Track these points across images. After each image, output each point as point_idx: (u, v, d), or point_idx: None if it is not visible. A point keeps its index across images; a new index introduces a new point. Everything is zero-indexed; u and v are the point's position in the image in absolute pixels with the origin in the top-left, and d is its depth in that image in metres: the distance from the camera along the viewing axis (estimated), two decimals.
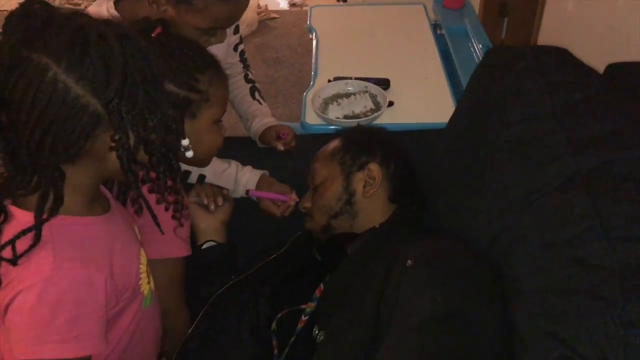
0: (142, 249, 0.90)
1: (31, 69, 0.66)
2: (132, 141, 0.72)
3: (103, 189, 0.87)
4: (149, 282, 0.92)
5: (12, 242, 0.72)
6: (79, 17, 0.70)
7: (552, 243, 0.83)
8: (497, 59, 1.13)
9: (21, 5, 0.70)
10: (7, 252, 0.72)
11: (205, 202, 1.15)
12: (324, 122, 1.46)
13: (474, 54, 1.75)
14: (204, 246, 1.14)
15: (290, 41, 3.45)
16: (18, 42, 0.67)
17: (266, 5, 3.80)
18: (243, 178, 1.27)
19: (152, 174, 0.79)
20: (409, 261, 0.87)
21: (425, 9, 2.03)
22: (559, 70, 1.02)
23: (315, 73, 1.68)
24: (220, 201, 1.15)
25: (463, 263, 0.88)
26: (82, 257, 0.75)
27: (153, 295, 0.94)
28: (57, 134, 0.68)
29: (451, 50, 1.77)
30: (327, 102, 1.52)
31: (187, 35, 1.10)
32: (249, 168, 1.30)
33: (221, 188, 1.19)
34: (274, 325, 1.07)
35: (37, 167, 0.72)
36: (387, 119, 1.47)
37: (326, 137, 1.22)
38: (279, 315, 1.08)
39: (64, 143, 0.69)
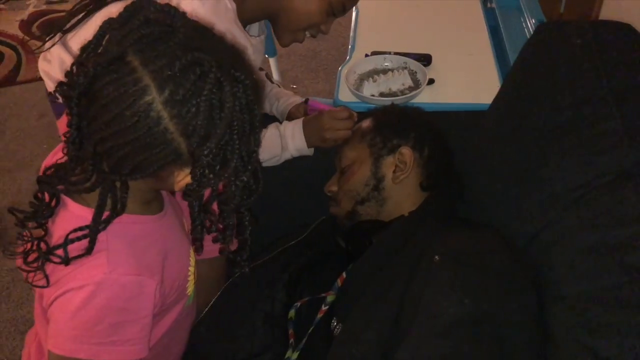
0: (192, 249, 0.86)
1: (130, 83, 0.60)
2: (206, 194, 0.68)
3: None
4: (194, 282, 0.89)
5: (64, 245, 0.69)
6: (201, 43, 0.63)
7: (600, 245, 0.74)
8: (550, 35, 1.02)
9: (143, 7, 0.63)
10: (59, 240, 0.70)
11: None
12: (357, 100, 1.38)
13: (526, 30, 1.61)
14: None
15: None
16: (130, 44, 0.61)
17: None
18: (286, 130, 1.15)
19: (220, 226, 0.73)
20: (436, 257, 0.79)
21: None
22: (620, 49, 0.91)
23: (353, 47, 1.59)
24: None
25: (496, 262, 0.80)
26: (137, 262, 0.72)
27: (195, 292, 0.91)
28: (128, 155, 0.63)
29: (501, 25, 1.64)
30: (362, 78, 1.44)
31: (291, 26, 1.08)
32: (291, 132, 1.16)
33: None
34: (291, 314, 1.02)
35: (98, 171, 0.67)
36: (426, 97, 1.37)
37: (359, 116, 1.15)
38: (298, 303, 1.02)
39: (132, 165, 0.64)
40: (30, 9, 3.33)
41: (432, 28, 1.68)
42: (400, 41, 1.57)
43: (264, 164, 1.15)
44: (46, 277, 0.71)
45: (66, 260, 0.68)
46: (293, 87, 2.69)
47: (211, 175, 0.64)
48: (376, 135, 1.05)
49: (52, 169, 0.73)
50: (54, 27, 1.01)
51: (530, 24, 1.59)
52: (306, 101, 1.20)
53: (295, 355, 0.96)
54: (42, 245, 0.71)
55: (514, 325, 0.73)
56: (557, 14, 2.65)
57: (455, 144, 1.10)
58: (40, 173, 0.75)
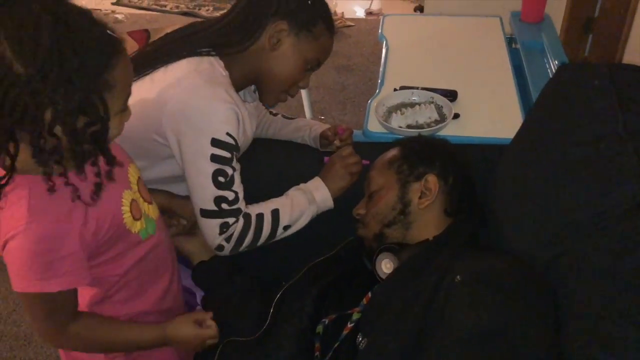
0: (126, 190, 0.94)
1: None
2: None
3: None
4: (139, 219, 0.96)
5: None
6: None
7: (615, 270, 0.79)
8: (570, 76, 1.09)
9: None
10: None
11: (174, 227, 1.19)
12: (386, 131, 1.45)
13: (549, 70, 1.68)
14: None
15: (364, 49, 3.46)
16: None
17: (342, 12, 3.83)
18: (308, 185, 1.21)
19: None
20: (458, 277, 0.85)
21: (502, 22, 1.98)
22: (635, 90, 0.97)
23: (382, 81, 1.67)
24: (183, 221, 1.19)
25: (515, 282, 0.85)
26: (55, 210, 0.82)
27: (157, 225, 1.01)
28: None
29: (525, 65, 1.72)
30: (390, 111, 1.51)
31: (274, 89, 1.17)
32: (314, 185, 1.21)
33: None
34: (319, 329, 1.07)
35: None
36: (451, 131, 1.44)
37: (386, 146, 1.22)
38: (326, 320, 1.08)
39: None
40: None
41: (459, 66, 1.76)
42: (428, 77, 1.64)
43: (294, 228, 1.18)
44: None
45: None
46: (321, 118, 2.79)
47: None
48: (403, 162, 1.12)
49: None
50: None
51: (552, 65, 1.66)
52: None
53: None
54: None
55: (530, 340, 0.78)
56: (581, 56, 2.72)
57: (478, 174, 1.16)
58: None
